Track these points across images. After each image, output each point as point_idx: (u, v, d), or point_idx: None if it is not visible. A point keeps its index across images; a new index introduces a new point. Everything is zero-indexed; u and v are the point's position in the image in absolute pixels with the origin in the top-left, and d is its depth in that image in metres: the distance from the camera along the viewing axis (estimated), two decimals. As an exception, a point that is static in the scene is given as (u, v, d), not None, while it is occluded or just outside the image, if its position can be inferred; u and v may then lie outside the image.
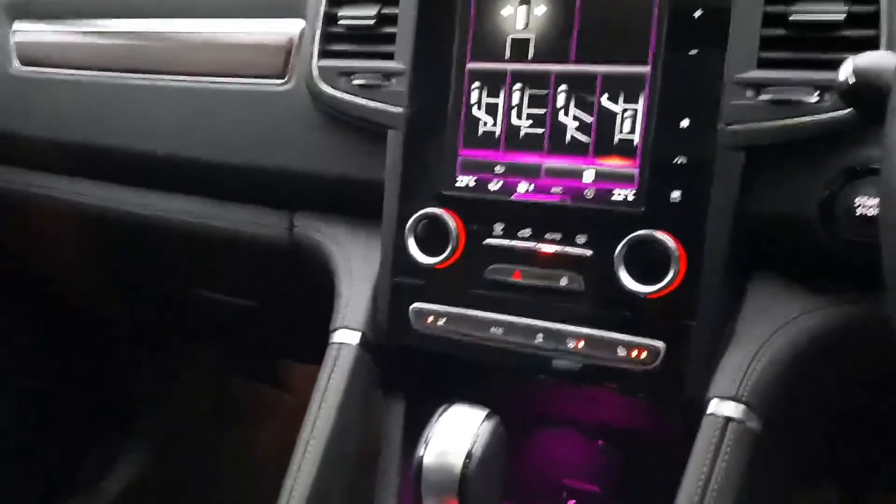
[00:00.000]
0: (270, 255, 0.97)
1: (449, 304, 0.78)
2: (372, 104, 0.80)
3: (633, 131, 0.70)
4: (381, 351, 0.81)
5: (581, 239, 0.72)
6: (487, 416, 0.61)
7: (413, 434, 0.72)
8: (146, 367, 1.54)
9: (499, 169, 0.75)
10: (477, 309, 0.76)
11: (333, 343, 0.81)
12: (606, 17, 0.70)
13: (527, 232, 0.74)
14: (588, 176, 0.72)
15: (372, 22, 0.80)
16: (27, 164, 1.08)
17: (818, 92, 0.63)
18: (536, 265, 0.74)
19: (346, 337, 0.81)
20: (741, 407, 0.65)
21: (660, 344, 0.69)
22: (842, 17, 0.62)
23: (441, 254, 0.77)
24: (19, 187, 1.10)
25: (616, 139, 0.71)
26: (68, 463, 1.52)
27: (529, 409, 0.90)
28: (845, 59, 0.52)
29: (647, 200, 0.69)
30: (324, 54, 0.83)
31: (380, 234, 0.81)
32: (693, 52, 0.67)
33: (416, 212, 0.77)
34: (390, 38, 0.79)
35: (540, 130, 0.74)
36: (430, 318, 0.78)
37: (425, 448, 0.59)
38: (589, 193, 0.72)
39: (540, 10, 0.73)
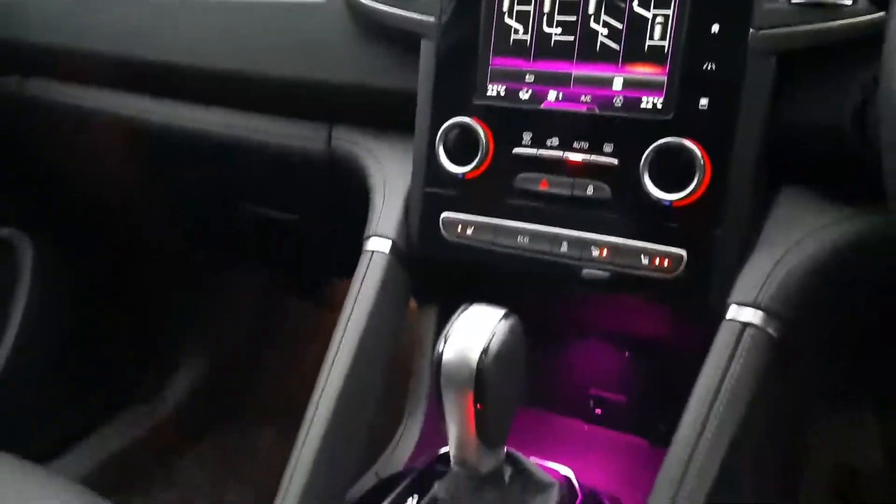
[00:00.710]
0: (311, 168, 0.99)
1: (478, 214, 0.79)
2: (405, 14, 0.80)
3: (663, 38, 0.69)
4: (412, 259, 0.84)
5: (608, 147, 0.72)
6: (505, 315, 0.63)
7: None
8: (201, 286, 1.61)
9: (529, 78, 0.76)
10: (505, 218, 0.78)
11: (366, 251, 0.84)
12: (639, -80, 0.69)
13: (555, 141, 0.75)
14: (617, 84, 0.72)
15: None
16: (78, 79, 1.12)
17: (853, -5, 0.61)
18: (564, 174, 0.75)
19: (378, 245, 0.83)
20: (759, 313, 0.65)
21: (683, 252, 0.70)
22: None
23: (470, 163, 0.78)
24: (73, 102, 1.14)
25: (646, 46, 0.70)
26: (131, 375, 1.62)
27: (558, 319, 0.92)
28: None
29: (675, 108, 0.69)
30: None
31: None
32: None
33: (447, 121, 0.78)
34: None
35: (570, 38, 0.73)
36: (460, 228, 0.80)
37: (444, 344, 0.61)
38: (617, 101, 0.72)
39: (572, -85, 0.71)
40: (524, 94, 0.76)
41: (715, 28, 0.67)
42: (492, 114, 0.77)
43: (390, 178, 0.87)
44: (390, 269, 0.83)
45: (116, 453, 1.49)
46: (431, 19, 0.79)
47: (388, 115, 0.88)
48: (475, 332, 0.62)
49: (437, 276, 0.87)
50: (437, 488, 0.68)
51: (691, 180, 0.68)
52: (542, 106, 0.75)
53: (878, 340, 0.85)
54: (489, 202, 0.79)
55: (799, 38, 0.63)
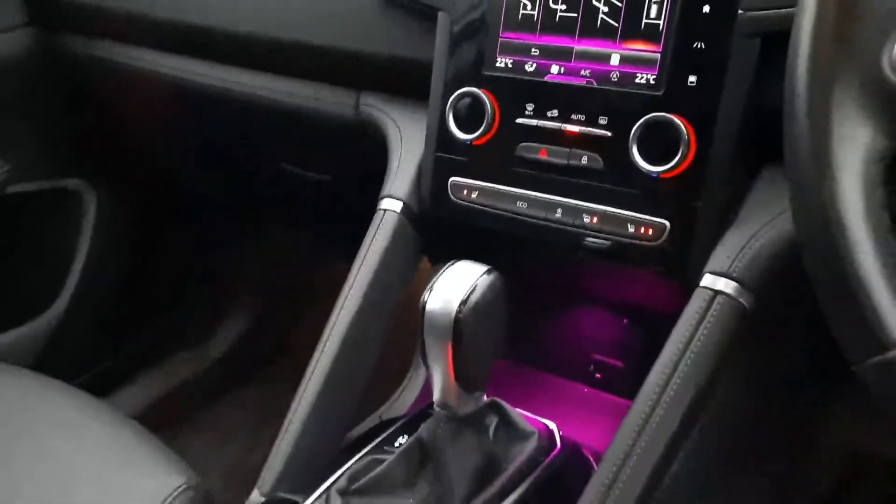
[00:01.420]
0: (341, 132, 1.05)
1: (483, 179, 0.84)
2: None
3: (658, 16, 0.72)
4: (423, 219, 0.89)
5: (603, 120, 0.76)
6: (487, 272, 0.68)
7: None
8: (246, 242, 1.70)
9: (534, 51, 0.80)
10: (506, 184, 0.82)
11: (379, 209, 0.90)
12: None
13: (555, 112, 0.79)
14: (614, 59, 0.75)
15: None
16: (138, 41, 1.21)
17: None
18: (562, 144, 0.79)
19: (390, 204, 0.89)
20: (730, 283, 0.68)
21: (666, 222, 0.73)
22: None
23: (478, 131, 0.83)
24: (132, 62, 1.23)
25: (643, 24, 0.73)
26: (180, 322, 1.73)
27: (559, 286, 0.97)
28: None
29: (666, 84, 0.72)
30: None
31: None
32: None
33: (458, 90, 0.83)
34: None
35: (573, 14, 0.77)
36: (466, 192, 0.85)
37: (429, 295, 0.67)
38: (614, 76, 0.75)
39: None
40: (529, 67, 0.80)
41: (706, 8, 0.70)
42: (499, 85, 0.82)
43: (407, 143, 0.92)
44: (400, 227, 0.88)
45: (163, 393, 1.61)
46: (449, -7, 0.84)
47: (410, 83, 0.94)
48: (457, 285, 0.67)
49: (448, 236, 0.92)
50: (422, 429, 0.74)
51: (677, 154, 0.71)
52: (546, 79, 0.79)
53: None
54: (493, 169, 0.83)
55: (783, 21, 0.66)
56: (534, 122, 0.80)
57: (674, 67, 0.72)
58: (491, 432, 0.77)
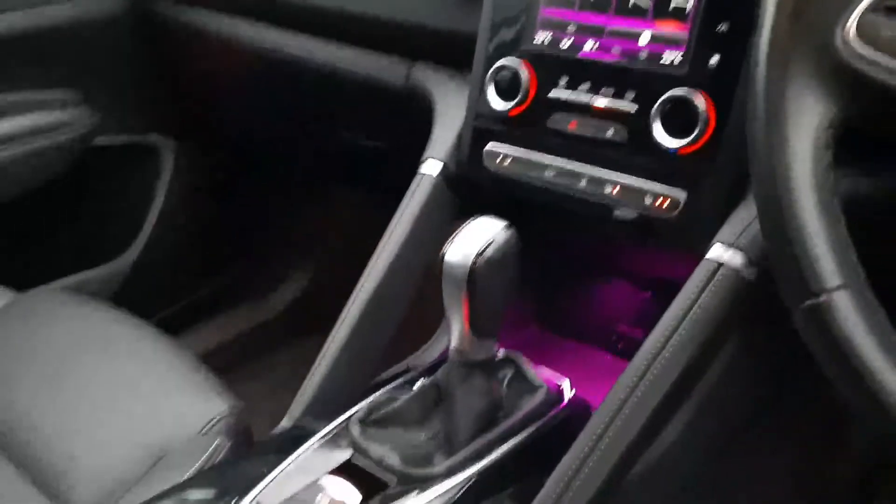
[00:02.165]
0: (394, 100, 1.12)
1: (515, 147, 0.89)
2: None
3: (687, -2, 0.76)
4: (459, 183, 0.95)
5: (630, 95, 0.80)
6: (505, 228, 0.73)
7: None
8: (306, 206, 1.80)
9: (571, 28, 0.84)
10: (537, 153, 0.87)
11: (419, 172, 0.96)
12: None
13: (586, 86, 0.83)
14: (644, 38, 0.79)
15: None
16: (217, 7, 1.30)
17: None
18: (590, 117, 0.83)
19: (431, 167, 0.95)
20: (735, 254, 0.71)
21: (681, 195, 0.77)
22: None
23: (513, 101, 0.87)
24: (210, 27, 1.32)
25: (672, 5, 0.77)
26: (242, 277, 1.84)
27: (588, 259, 1.01)
28: None
29: (690, 63, 0.76)
30: None
31: None
32: None
33: (497, 62, 0.88)
34: None
35: (609, -7, 0.81)
36: (499, 159, 0.90)
37: (449, 247, 0.73)
38: (643, 54, 0.79)
39: None
40: (565, 43, 0.84)
41: (732, -10, 0.73)
42: (536, 58, 0.86)
43: (450, 111, 0.98)
44: (437, 189, 0.94)
45: (225, 340, 1.72)
46: (494, -30, 0.89)
47: (457, 55, 0.99)
48: (475, 239, 0.72)
49: (486, 201, 0.98)
50: (439, 372, 0.80)
51: (695, 129, 0.75)
52: (580, 55, 0.83)
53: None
54: (526, 138, 0.88)
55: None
56: (566, 95, 0.84)
57: (699, 47, 0.75)
58: (504, 384, 0.83)
